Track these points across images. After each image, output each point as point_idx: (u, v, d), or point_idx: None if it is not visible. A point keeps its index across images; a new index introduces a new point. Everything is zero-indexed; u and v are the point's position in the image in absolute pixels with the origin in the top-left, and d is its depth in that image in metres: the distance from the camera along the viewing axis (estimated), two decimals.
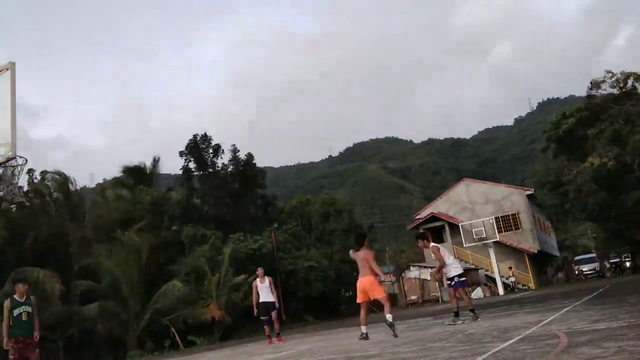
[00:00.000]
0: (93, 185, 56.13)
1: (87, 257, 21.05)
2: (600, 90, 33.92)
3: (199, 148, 36.04)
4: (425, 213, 41.33)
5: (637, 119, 31.01)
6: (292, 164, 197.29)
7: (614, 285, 18.65)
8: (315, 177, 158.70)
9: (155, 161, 34.12)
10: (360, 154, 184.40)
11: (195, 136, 36.28)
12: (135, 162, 33.83)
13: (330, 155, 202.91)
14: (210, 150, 36.46)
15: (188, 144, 36.01)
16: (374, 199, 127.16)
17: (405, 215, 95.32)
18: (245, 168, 36.58)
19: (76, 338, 19.30)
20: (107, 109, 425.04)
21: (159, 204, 28.56)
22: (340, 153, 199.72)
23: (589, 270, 40.37)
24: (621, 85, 32.60)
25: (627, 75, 32.29)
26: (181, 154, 35.97)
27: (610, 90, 33.46)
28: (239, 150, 37.09)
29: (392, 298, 40.20)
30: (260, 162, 37.87)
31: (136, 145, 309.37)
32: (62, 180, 23.10)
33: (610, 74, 32.82)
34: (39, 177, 29.79)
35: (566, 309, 9.44)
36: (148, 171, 33.70)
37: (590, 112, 35.04)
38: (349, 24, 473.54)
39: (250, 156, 37.16)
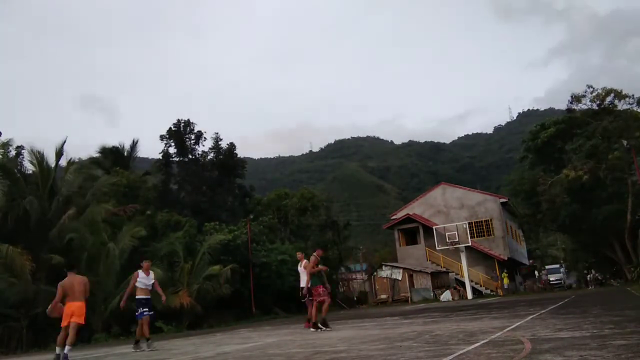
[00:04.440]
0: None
1: (64, 234, 20.63)
2: (580, 105, 34.51)
3: (181, 133, 35.66)
4: (401, 214, 41.65)
5: (614, 135, 31.67)
6: (272, 157, 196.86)
7: (579, 296, 19.08)
8: (295, 171, 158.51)
9: (134, 143, 33.71)
10: (341, 151, 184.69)
11: (179, 121, 35.91)
12: (113, 143, 33.44)
13: (310, 151, 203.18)
14: (192, 137, 36.14)
15: (170, 128, 35.58)
16: (351, 196, 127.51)
17: (381, 214, 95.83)
18: (226, 157, 36.32)
19: (41, 317, 18.93)
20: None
21: (134, 187, 28.19)
22: (321, 149, 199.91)
23: (556, 280, 41.31)
24: (601, 101, 33.21)
25: (608, 92, 32.91)
26: (162, 137, 35.54)
27: (590, 105, 34.07)
28: (221, 139, 36.83)
29: (363, 296, 40.52)
30: (240, 152, 37.75)
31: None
32: (37, 155, 22.55)
33: (591, 89, 33.43)
34: (13, 152, 29.11)
35: (532, 317, 9.63)
36: (126, 153, 33.22)
37: (568, 126, 35.67)
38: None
39: (232, 145, 36.92)
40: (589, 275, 38.91)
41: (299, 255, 13.36)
